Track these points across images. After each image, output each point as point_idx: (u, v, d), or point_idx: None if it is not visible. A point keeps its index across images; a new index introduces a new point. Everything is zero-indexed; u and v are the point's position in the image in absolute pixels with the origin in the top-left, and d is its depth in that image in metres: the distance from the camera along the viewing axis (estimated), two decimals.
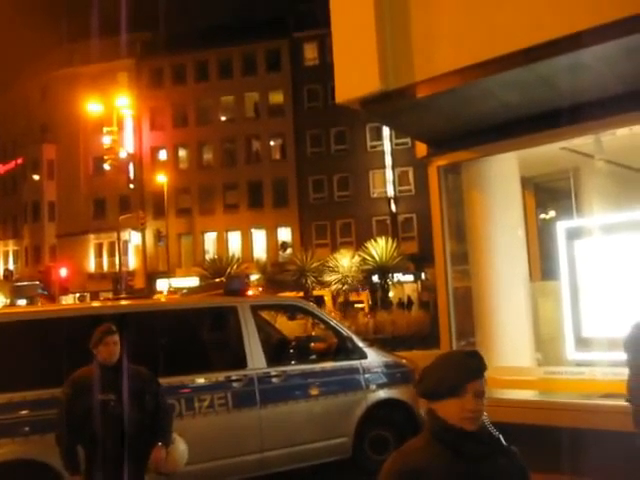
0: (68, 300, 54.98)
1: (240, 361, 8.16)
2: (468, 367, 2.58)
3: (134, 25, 52.18)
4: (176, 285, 49.55)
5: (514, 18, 5.95)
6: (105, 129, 39.14)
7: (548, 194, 9.31)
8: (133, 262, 58.65)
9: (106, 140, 38.60)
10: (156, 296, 18.78)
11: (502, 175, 8.20)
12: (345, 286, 40.33)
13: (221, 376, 7.98)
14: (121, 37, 52.45)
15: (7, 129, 66.67)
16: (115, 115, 39.14)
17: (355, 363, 8.90)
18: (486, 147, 7.54)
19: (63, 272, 45.65)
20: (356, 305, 40.65)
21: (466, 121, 7.32)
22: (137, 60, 60.38)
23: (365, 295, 42.84)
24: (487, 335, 8.68)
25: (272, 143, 59.31)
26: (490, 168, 8.15)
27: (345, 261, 40.58)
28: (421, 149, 8.41)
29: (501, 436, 2.65)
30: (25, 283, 61.02)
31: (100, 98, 43.77)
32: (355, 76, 7.30)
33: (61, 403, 5.50)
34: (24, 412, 7.10)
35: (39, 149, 65.05)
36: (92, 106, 42.86)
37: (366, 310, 38.48)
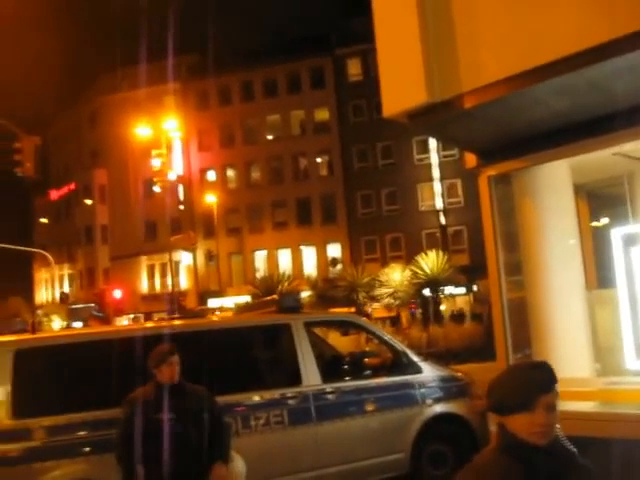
0: (123, 321, 55.82)
1: (295, 378, 8.16)
2: (538, 380, 2.52)
3: (179, 48, 53.04)
4: (228, 304, 49.88)
5: (560, 23, 5.86)
6: (154, 152, 39.73)
7: (602, 201, 9.12)
8: (185, 282, 59.24)
9: (155, 163, 39.17)
10: (210, 314, 18.94)
11: (554, 183, 8.05)
12: (397, 301, 40.11)
13: (276, 393, 7.99)
14: (167, 61, 53.34)
15: (59, 155, 68.25)
16: (163, 138, 39.71)
17: (410, 378, 8.82)
18: (537, 155, 7.42)
19: (117, 294, 46.41)
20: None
21: (515, 130, 7.22)
22: (183, 83, 61.28)
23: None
24: (544, 346, 8.51)
25: (319, 160, 59.54)
26: (541, 176, 8.02)
27: (396, 275, 40.40)
28: (470, 160, 8.32)
29: (576, 451, 2.58)
30: (80, 306, 62.12)
31: (148, 122, 44.49)
32: (401, 89, 7.27)
33: (121, 423, 5.56)
34: (83, 433, 7.20)
35: (90, 174, 66.43)
36: (140, 130, 43.58)
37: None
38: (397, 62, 7.07)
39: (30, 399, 7.18)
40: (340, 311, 26.42)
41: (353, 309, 35.97)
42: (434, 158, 52.76)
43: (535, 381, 2.51)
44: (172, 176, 41.87)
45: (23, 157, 19.34)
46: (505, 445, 2.54)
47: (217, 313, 25.36)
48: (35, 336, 7.92)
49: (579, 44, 5.55)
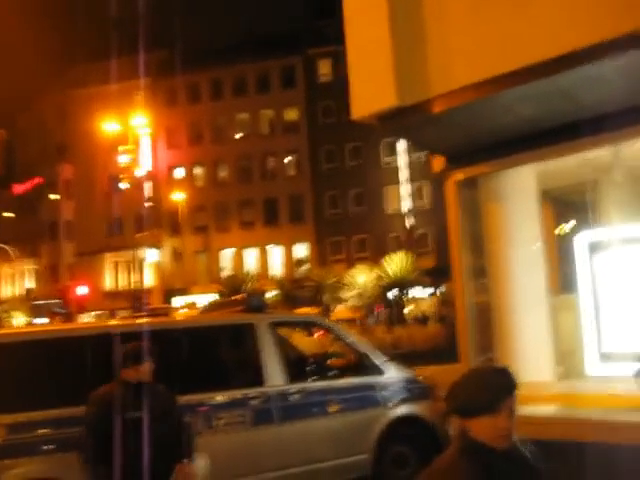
0: (85, 318, 55.21)
1: (258, 378, 8.14)
2: (502, 384, 2.55)
3: (149, 44, 52.60)
4: (196, 301, 49.66)
5: (530, 30, 5.92)
6: (121, 148, 39.44)
7: (567, 207, 9.22)
8: (150, 280, 58.77)
9: (122, 159, 38.90)
10: (176, 313, 18.80)
11: (520, 188, 8.14)
12: (362, 302, 40.24)
13: (239, 393, 7.96)
14: (136, 57, 52.85)
15: (25, 149, 67.28)
16: (131, 134, 39.43)
17: (374, 379, 8.84)
18: (503, 160, 7.48)
19: (82, 290, 45.86)
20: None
21: (483, 135, 7.28)
22: (152, 79, 60.80)
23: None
24: (507, 349, 8.58)
25: (287, 159, 59.53)
26: (508, 181, 8.10)
27: (362, 277, 40.53)
28: (438, 163, 8.37)
29: (529, 454, 2.61)
30: (44, 302, 61.35)
31: (116, 117, 44.10)
32: (370, 91, 7.29)
33: (85, 421, 5.49)
34: (44, 431, 7.11)
35: (56, 169, 65.62)
36: (108, 125, 43.21)
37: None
38: (367, 64, 7.09)
39: None
40: (305, 311, 26.41)
41: (318, 310, 36.00)
42: (401, 160, 53.02)
43: (500, 385, 2.54)
44: (139, 173, 41.57)
45: None
46: (465, 448, 2.55)
47: (183, 311, 25.18)
48: None
49: (548, 52, 5.61)
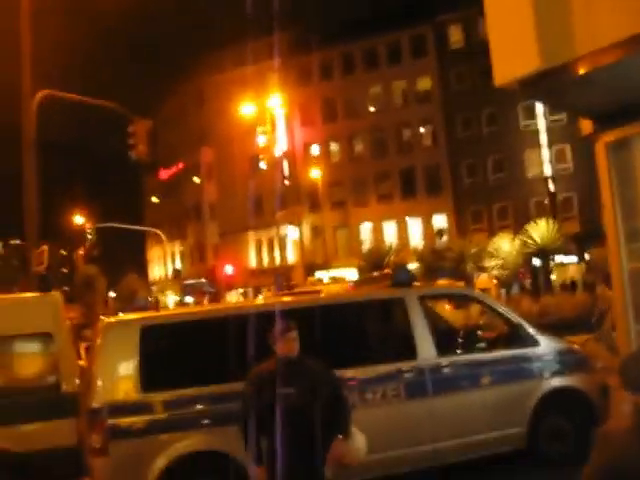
0: (233, 296, 57.16)
1: (410, 352, 8.17)
2: None
3: (279, 25, 53.28)
4: (336, 276, 50.31)
5: None
6: (258, 129, 40.35)
7: None
8: (292, 256, 60.03)
9: (260, 140, 39.80)
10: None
11: None
12: (507, 271, 39.26)
13: (392, 368, 8.02)
14: (267, 38, 53.75)
15: (168, 137, 70.10)
16: (267, 115, 40.23)
17: (527, 351, 8.65)
18: None
19: (229, 270, 47.45)
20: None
21: (634, 93, 6.92)
22: (284, 59, 61.69)
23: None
24: None
25: (422, 130, 58.95)
26: None
27: (505, 245, 39.57)
28: (586, 126, 8.04)
29: None
30: (192, 281, 64.03)
31: (252, 99, 45.10)
32: (513, 56, 7.08)
33: (244, 397, 5.71)
34: (206, 406, 7.45)
35: (198, 153, 68.05)
36: (245, 108, 44.28)
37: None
38: (508, 28, 6.89)
39: (156, 374, 7.46)
40: (449, 283, 26.14)
41: (460, 281, 35.53)
42: (541, 124, 51.22)
43: None
44: (277, 152, 42.38)
45: (136, 140, 20.02)
46: None
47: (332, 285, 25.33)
48: (159, 313, 8.24)
49: None
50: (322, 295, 10.57)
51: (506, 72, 7.01)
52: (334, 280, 34.85)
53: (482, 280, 41.02)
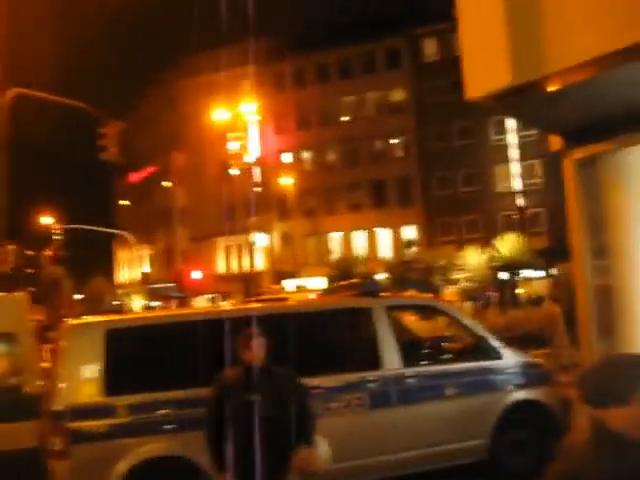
0: (201, 302, 56.83)
1: (375, 362, 8.18)
2: (636, 376, 2.48)
3: (254, 32, 53.23)
4: (302, 285, 50.27)
5: None
6: (230, 135, 40.22)
7: None
8: (260, 263, 59.89)
9: (232, 146, 39.68)
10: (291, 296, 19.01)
11: None
12: (474, 284, 39.56)
13: (356, 377, 8.03)
14: (243, 44, 53.69)
15: (140, 140, 69.63)
16: (240, 121, 40.12)
17: (491, 363, 8.73)
18: (627, 137, 7.17)
19: (196, 275, 47.19)
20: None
21: (606, 112, 6.99)
22: (259, 66, 61.69)
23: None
24: (629, 334, 8.30)
25: (394, 141, 59.20)
26: (631, 160, 7.77)
27: (473, 258, 39.88)
28: (555, 142, 8.11)
29: None
30: (160, 285, 63.64)
31: (225, 105, 44.99)
32: (484, 71, 7.12)
33: (209, 403, 5.68)
34: (170, 410, 7.40)
35: (169, 157, 67.67)
36: (217, 113, 44.15)
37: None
38: (480, 42, 6.94)
39: (119, 377, 7.40)
40: (421, 295, 26.17)
41: (428, 293, 35.67)
42: (512, 138, 51.75)
43: (633, 377, 2.47)
44: (248, 158, 42.30)
45: (107, 142, 19.91)
46: (600, 439, 2.50)
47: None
48: (124, 316, 8.18)
49: None
50: (289, 302, 10.53)
51: (477, 86, 7.06)
52: (299, 289, 34.86)
53: (450, 293, 41.15)
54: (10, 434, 9.34)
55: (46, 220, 55.97)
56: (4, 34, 16.50)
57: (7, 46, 16.54)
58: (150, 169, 70.68)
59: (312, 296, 14.07)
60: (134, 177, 73.48)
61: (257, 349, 5.45)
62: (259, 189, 50.87)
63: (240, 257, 60.98)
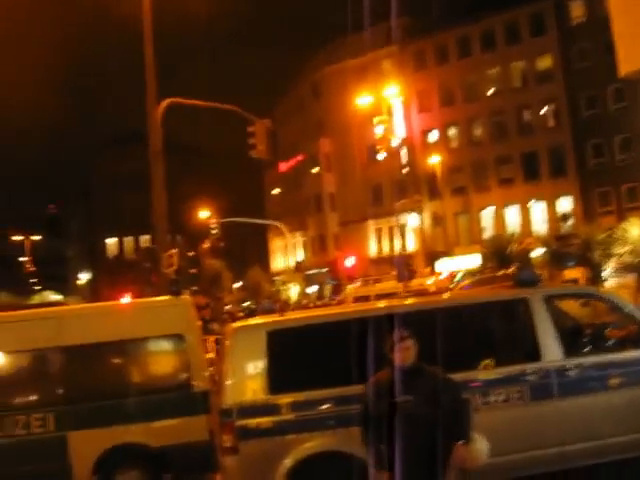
0: (353, 287, 57.43)
1: (535, 354, 8.02)
2: None
3: (396, 12, 52.85)
4: (456, 265, 49.63)
5: None
6: (376, 119, 40.26)
7: None
8: (412, 244, 59.74)
9: (377, 129, 39.72)
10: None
11: None
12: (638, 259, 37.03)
13: (516, 369, 7.91)
14: (381, 26, 53.53)
15: (286, 129, 71.08)
16: (384, 104, 40.07)
17: None
18: None
19: (350, 262, 47.61)
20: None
21: None
22: (399, 45, 61.28)
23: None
24: None
25: (544, 111, 57.07)
26: None
27: (634, 230, 37.52)
28: None
29: None
30: (314, 271, 64.91)
31: (368, 88, 45.07)
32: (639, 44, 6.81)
33: (363, 403, 5.79)
34: (330, 407, 7.62)
35: (316, 144, 68.74)
36: (361, 98, 44.34)
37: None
38: (634, 16, 6.64)
39: (281, 376, 7.70)
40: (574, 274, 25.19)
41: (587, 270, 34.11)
42: None
43: None
44: (394, 142, 42.20)
45: (256, 140, 20.60)
46: None
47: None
48: (283, 318, 8.47)
49: None
50: (445, 297, 10.49)
51: (632, 61, 6.77)
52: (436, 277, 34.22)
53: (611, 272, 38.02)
54: (182, 428, 9.94)
55: (203, 214, 58.49)
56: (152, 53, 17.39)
57: (158, 61, 17.39)
58: (299, 157, 72.01)
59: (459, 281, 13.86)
60: (284, 166, 75.13)
61: (404, 351, 5.49)
62: (407, 170, 50.51)
63: (391, 239, 61.04)
